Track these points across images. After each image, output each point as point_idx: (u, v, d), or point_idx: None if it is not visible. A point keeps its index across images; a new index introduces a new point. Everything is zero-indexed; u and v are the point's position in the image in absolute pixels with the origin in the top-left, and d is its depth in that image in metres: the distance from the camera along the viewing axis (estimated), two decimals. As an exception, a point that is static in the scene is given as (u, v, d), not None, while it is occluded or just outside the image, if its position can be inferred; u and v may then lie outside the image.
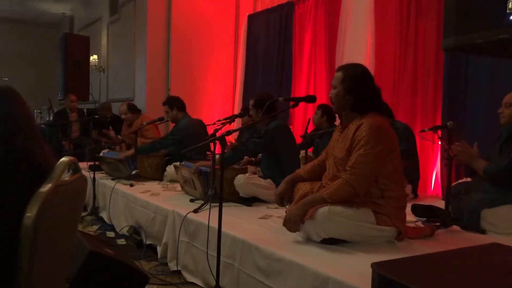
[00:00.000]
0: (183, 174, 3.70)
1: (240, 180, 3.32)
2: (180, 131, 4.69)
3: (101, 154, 5.04)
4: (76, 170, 1.34)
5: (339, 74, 2.40)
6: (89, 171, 4.38)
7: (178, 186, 4.02)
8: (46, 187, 1.12)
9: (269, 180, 3.47)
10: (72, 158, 1.27)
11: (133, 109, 5.58)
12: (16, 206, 1.12)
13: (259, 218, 2.86)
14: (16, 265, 1.09)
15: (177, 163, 3.90)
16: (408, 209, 2.61)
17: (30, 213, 1.08)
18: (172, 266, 2.99)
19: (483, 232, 2.64)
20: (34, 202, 1.09)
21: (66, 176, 1.28)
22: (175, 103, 4.80)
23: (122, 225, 3.83)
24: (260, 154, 4.03)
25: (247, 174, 3.43)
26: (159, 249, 3.23)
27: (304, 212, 2.21)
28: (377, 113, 2.34)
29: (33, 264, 1.09)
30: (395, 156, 2.30)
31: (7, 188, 1.15)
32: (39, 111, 9.17)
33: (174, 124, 4.92)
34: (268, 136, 3.48)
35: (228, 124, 3.90)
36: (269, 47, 7.13)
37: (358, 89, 2.34)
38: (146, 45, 7.41)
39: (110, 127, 5.72)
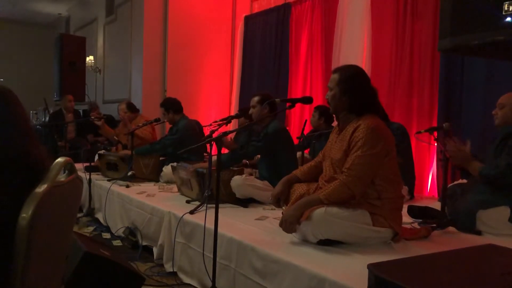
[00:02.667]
0: (180, 174, 3.69)
1: (236, 181, 3.32)
2: (179, 131, 4.69)
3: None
4: (72, 171, 1.34)
5: (335, 76, 2.40)
6: (84, 172, 4.37)
7: (174, 187, 4.01)
8: (41, 188, 1.12)
9: (265, 181, 3.47)
10: (67, 158, 1.27)
11: (132, 109, 5.56)
12: (11, 206, 1.11)
13: (256, 219, 2.86)
14: (11, 266, 1.08)
15: (175, 164, 3.89)
16: (405, 210, 2.62)
17: (25, 214, 1.07)
18: (168, 267, 2.98)
19: (478, 233, 2.65)
20: (30, 203, 1.08)
21: (62, 177, 1.28)
22: (171, 107, 4.79)
23: (118, 226, 3.82)
24: (257, 156, 4.03)
25: (243, 175, 3.43)
26: (155, 250, 3.22)
27: (300, 213, 2.21)
28: (374, 114, 2.34)
29: (28, 264, 1.09)
30: (392, 158, 2.30)
31: (3, 188, 1.15)
32: (34, 112, 9.15)
33: (171, 125, 4.92)
34: (268, 139, 3.48)
35: (224, 125, 3.89)
36: (266, 49, 7.13)
37: (354, 91, 2.34)
38: (142, 46, 7.40)
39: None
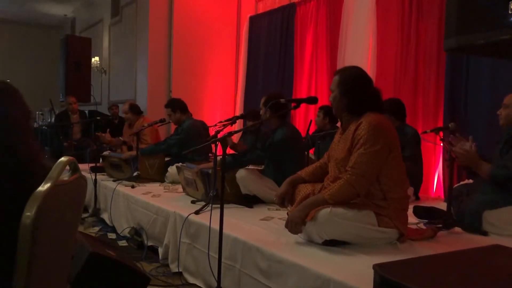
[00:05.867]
0: (185, 175, 3.69)
1: (241, 173, 3.32)
2: (184, 131, 4.70)
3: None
4: (76, 170, 1.34)
5: (336, 78, 2.42)
6: (90, 173, 4.38)
7: (179, 188, 4.02)
8: (44, 187, 1.12)
9: (271, 180, 3.46)
10: (70, 158, 1.27)
11: (134, 110, 5.57)
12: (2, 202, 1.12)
13: (261, 219, 2.86)
14: (15, 265, 1.08)
15: (179, 164, 3.90)
16: (410, 210, 2.61)
17: (29, 213, 1.07)
18: (173, 267, 2.99)
19: (484, 233, 2.63)
20: (33, 201, 1.08)
21: (66, 176, 1.28)
22: (177, 106, 4.80)
23: (123, 227, 3.83)
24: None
25: (250, 169, 3.42)
26: (160, 250, 3.23)
27: (305, 214, 2.20)
28: (377, 112, 2.33)
29: (32, 264, 1.09)
30: (396, 155, 2.29)
31: None
32: (40, 112, 9.20)
33: (176, 126, 4.93)
34: (273, 149, 3.44)
35: (229, 126, 3.89)
36: (271, 49, 7.13)
37: (353, 91, 2.34)
38: (147, 47, 7.42)
39: (108, 130, 5.73)
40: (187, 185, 3.73)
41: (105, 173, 4.88)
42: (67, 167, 1.27)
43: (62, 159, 1.24)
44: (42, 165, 1.25)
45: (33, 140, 1.32)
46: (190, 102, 5.12)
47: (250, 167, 3.50)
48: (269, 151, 3.47)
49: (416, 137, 3.88)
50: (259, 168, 4.00)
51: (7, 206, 1.12)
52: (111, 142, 5.43)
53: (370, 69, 5.04)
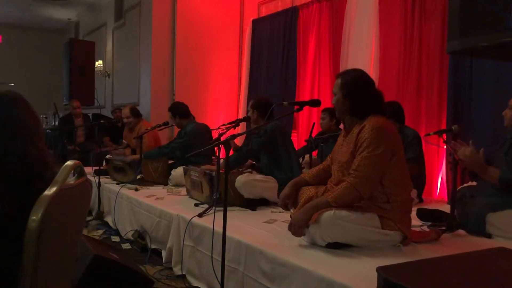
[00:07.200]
0: (192, 176, 3.70)
1: (240, 180, 3.34)
2: (187, 135, 4.71)
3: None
4: (81, 174, 1.35)
5: (338, 81, 2.43)
6: (94, 176, 4.39)
7: (182, 191, 4.03)
8: (51, 191, 1.12)
9: (269, 176, 3.50)
10: (77, 161, 1.28)
11: (136, 114, 5.60)
12: (11, 207, 1.12)
13: (264, 222, 2.86)
14: (20, 268, 1.09)
15: (187, 166, 3.91)
16: (414, 213, 2.60)
17: (35, 217, 1.08)
18: (177, 270, 2.99)
19: (488, 236, 2.62)
20: (39, 205, 1.09)
21: (71, 180, 1.29)
22: (177, 112, 4.83)
23: (127, 230, 3.84)
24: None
25: (245, 174, 3.44)
26: (163, 253, 3.23)
27: (309, 217, 2.20)
28: (380, 115, 2.34)
29: (38, 267, 1.09)
30: (400, 158, 2.29)
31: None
32: (44, 116, 9.22)
33: (179, 130, 4.94)
34: (268, 134, 3.57)
35: (232, 129, 3.90)
36: (274, 52, 7.13)
37: (355, 94, 2.35)
38: (151, 50, 7.44)
39: (108, 138, 5.74)
40: (193, 187, 3.73)
41: (108, 176, 4.89)
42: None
43: (69, 163, 1.24)
44: (51, 170, 1.26)
45: (44, 145, 1.34)
46: (193, 106, 5.13)
47: (246, 174, 3.54)
48: (265, 136, 3.58)
49: (416, 138, 3.87)
50: (256, 164, 4.02)
51: (17, 211, 1.12)
52: (115, 150, 5.45)
53: (373, 72, 5.03)
